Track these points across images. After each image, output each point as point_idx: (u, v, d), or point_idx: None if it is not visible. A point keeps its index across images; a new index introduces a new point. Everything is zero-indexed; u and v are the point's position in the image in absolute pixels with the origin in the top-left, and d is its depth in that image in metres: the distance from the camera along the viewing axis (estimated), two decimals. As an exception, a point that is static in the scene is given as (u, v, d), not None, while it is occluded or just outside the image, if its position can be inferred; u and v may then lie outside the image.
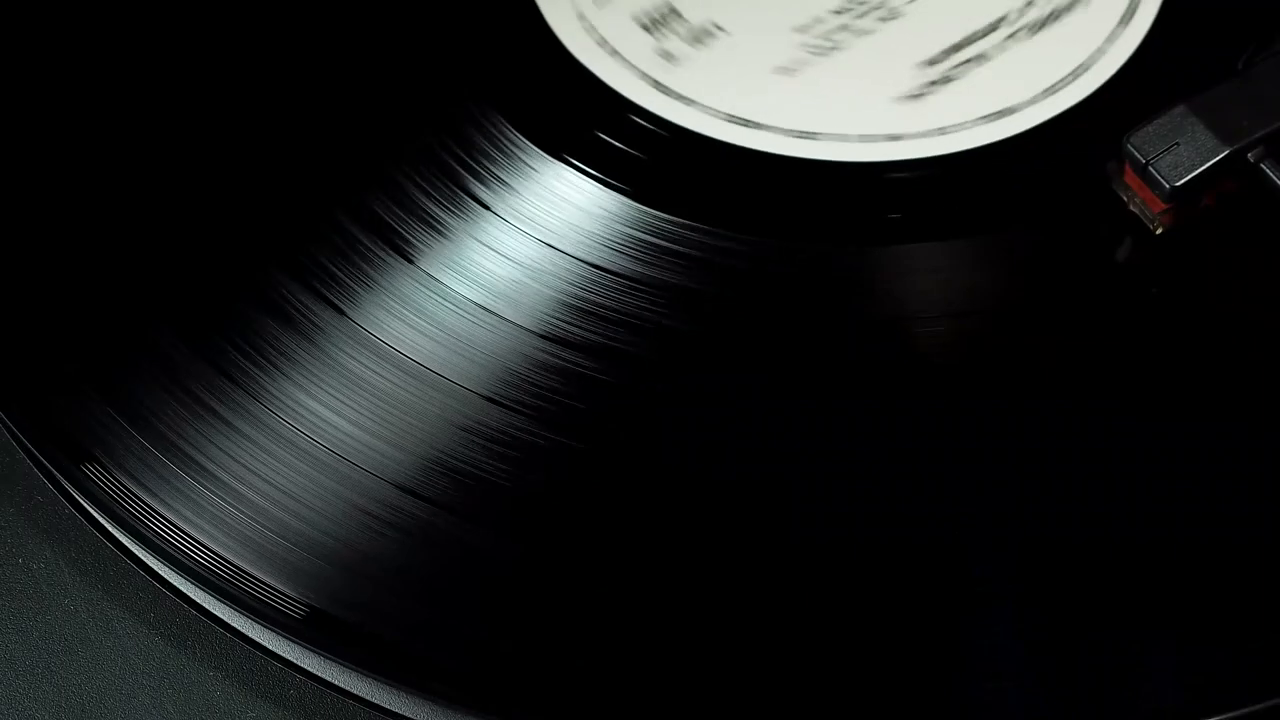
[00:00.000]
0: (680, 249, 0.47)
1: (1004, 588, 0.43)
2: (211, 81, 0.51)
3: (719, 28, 0.51)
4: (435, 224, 0.48)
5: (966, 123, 0.50)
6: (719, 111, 0.50)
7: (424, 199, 0.48)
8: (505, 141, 0.49)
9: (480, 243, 0.48)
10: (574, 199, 0.48)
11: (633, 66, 0.50)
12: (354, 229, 0.48)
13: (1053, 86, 0.50)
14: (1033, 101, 0.50)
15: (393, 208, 0.48)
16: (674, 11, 0.51)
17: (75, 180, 0.49)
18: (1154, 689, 0.42)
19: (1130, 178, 0.47)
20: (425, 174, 0.49)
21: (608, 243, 0.47)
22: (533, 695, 0.42)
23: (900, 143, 0.49)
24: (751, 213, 0.48)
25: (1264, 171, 0.46)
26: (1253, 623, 0.42)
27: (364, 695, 0.45)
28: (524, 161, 0.49)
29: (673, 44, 0.50)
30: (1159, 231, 0.47)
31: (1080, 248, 0.48)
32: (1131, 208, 0.47)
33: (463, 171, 0.49)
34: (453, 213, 0.48)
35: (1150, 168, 0.46)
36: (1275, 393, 0.45)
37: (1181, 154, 0.46)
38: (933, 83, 0.50)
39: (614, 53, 0.50)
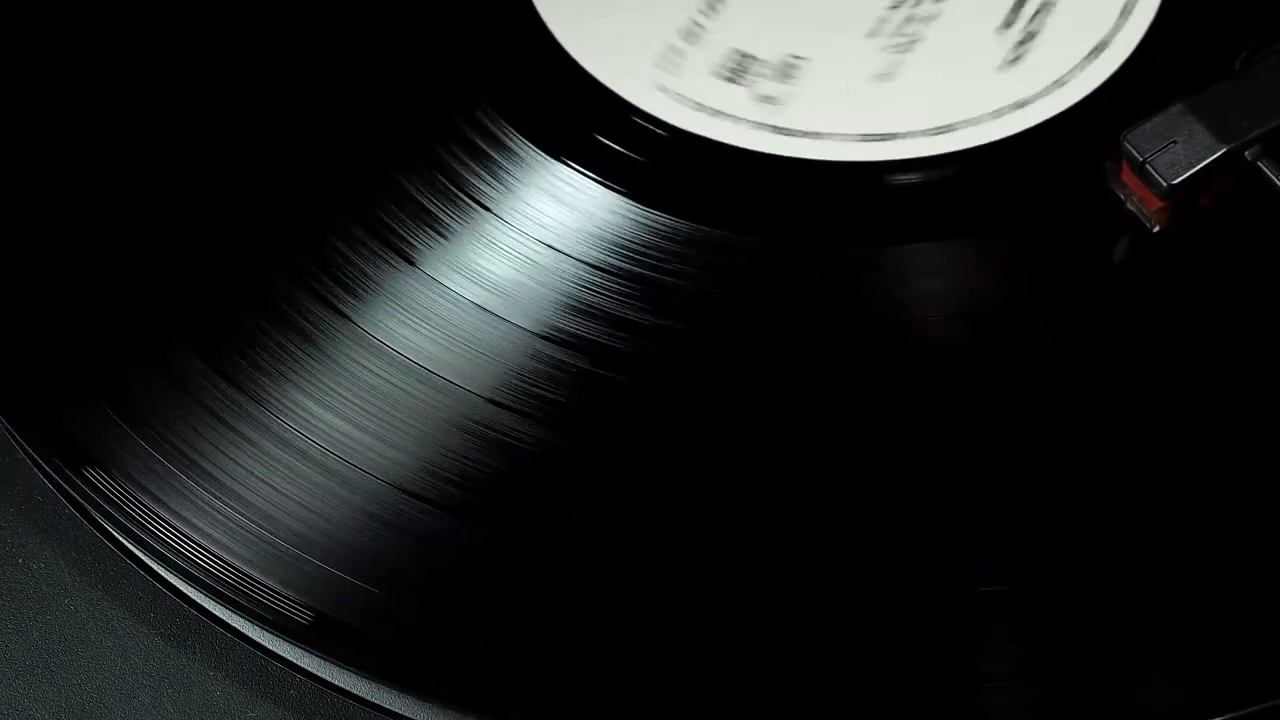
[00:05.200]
0: (680, 249, 0.47)
1: (1003, 587, 0.43)
2: (212, 82, 0.51)
3: (799, 58, 0.50)
4: (435, 225, 0.48)
5: (1074, 69, 0.49)
6: (850, 135, 0.49)
7: (424, 200, 0.48)
8: (507, 143, 0.49)
9: (480, 244, 0.48)
10: (574, 200, 0.48)
11: (742, 119, 0.49)
12: (358, 231, 0.48)
13: (1126, 7, 0.50)
14: (1118, 29, 0.50)
15: (394, 209, 0.48)
16: (747, 56, 0.50)
17: (76, 181, 0.49)
18: (1154, 689, 0.42)
19: (1127, 176, 0.47)
20: (427, 176, 0.49)
21: (608, 243, 0.47)
22: (534, 696, 0.42)
23: (1028, 108, 0.49)
24: (752, 212, 0.48)
25: (1261, 170, 0.46)
26: (1253, 623, 0.42)
27: (364, 695, 0.45)
28: (524, 162, 0.49)
29: (765, 87, 0.49)
30: (1156, 230, 0.47)
31: (1087, 244, 0.48)
32: (1129, 206, 0.47)
33: (463, 173, 0.49)
34: (452, 214, 0.48)
35: (1147, 166, 0.46)
36: (1275, 393, 0.45)
37: (1179, 152, 0.46)
38: (1021, 42, 0.50)
39: (716, 112, 0.49)
